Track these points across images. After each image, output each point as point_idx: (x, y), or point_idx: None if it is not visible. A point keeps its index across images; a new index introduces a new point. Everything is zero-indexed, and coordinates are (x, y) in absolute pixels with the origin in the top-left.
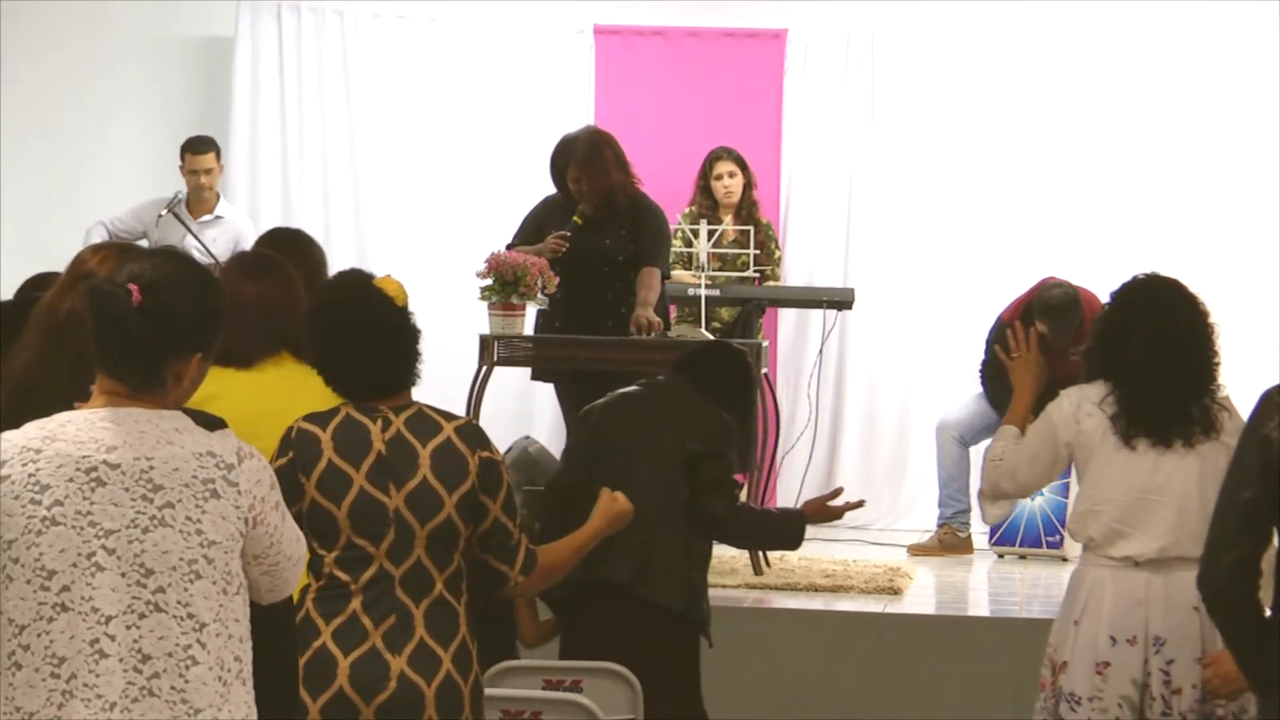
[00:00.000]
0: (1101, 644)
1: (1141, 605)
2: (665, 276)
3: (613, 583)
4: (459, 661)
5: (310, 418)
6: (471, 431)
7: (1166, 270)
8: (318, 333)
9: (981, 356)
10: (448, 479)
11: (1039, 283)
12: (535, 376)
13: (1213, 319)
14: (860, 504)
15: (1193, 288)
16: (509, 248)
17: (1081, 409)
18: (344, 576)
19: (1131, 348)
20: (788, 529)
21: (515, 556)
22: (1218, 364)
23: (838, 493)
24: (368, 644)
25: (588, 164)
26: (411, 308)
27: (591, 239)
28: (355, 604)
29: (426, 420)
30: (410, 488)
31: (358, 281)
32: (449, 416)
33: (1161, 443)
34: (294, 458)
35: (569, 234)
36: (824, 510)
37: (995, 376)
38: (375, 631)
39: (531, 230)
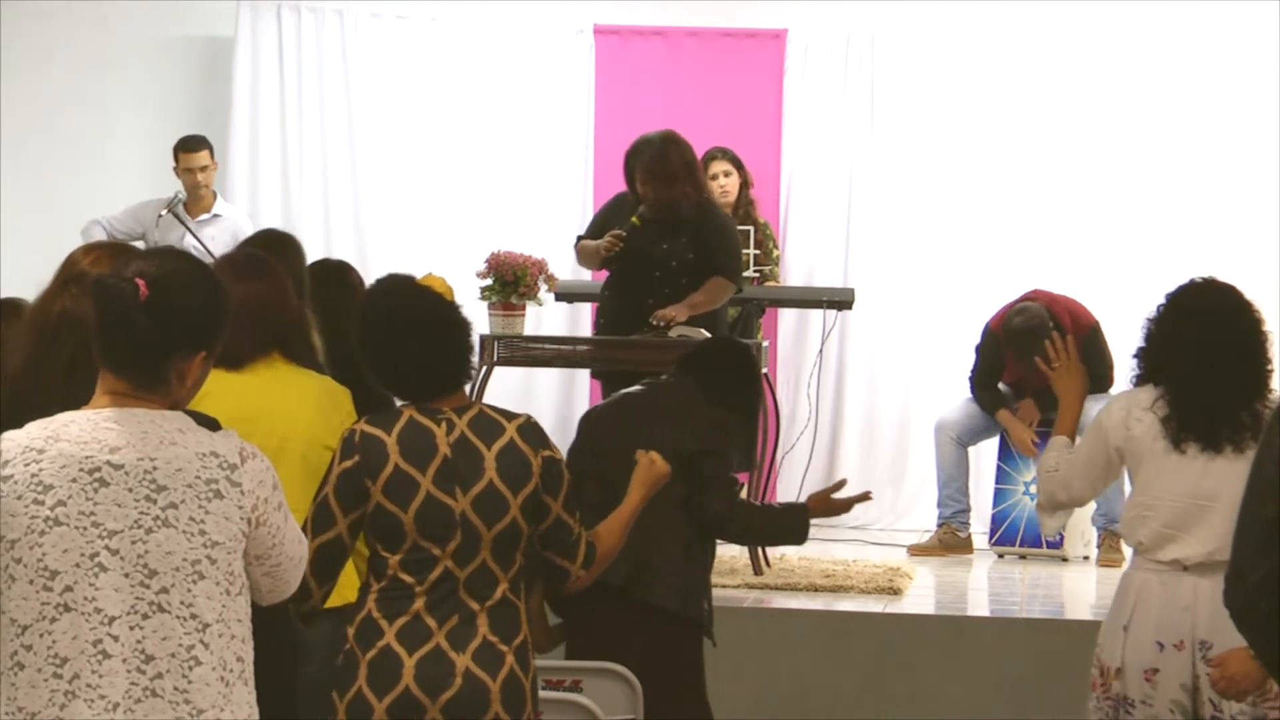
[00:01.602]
0: (1149, 650)
1: (1188, 610)
2: (739, 290)
3: (610, 583)
4: (520, 658)
5: (373, 421)
6: (533, 430)
7: (1166, 271)
8: (373, 337)
9: (972, 362)
10: (513, 481)
11: (1023, 295)
12: (594, 375)
13: (1267, 326)
14: (866, 496)
15: (1248, 294)
16: (578, 239)
17: (1132, 414)
18: (408, 578)
19: (1184, 352)
20: (790, 522)
21: (577, 551)
22: (1270, 370)
23: (841, 484)
24: (431, 643)
25: (652, 171)
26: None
27: (649, 242)
28: (419, 604)
29: (489, 421)
30: (477, 491)
31: (406, 283)
32: (509, 415)
33: (1211, 448)
34: (360, 461)
35: (625, 234)
36: (828, 503)
37: (985, 385)
38: (439, 631)
39: (599, 226)
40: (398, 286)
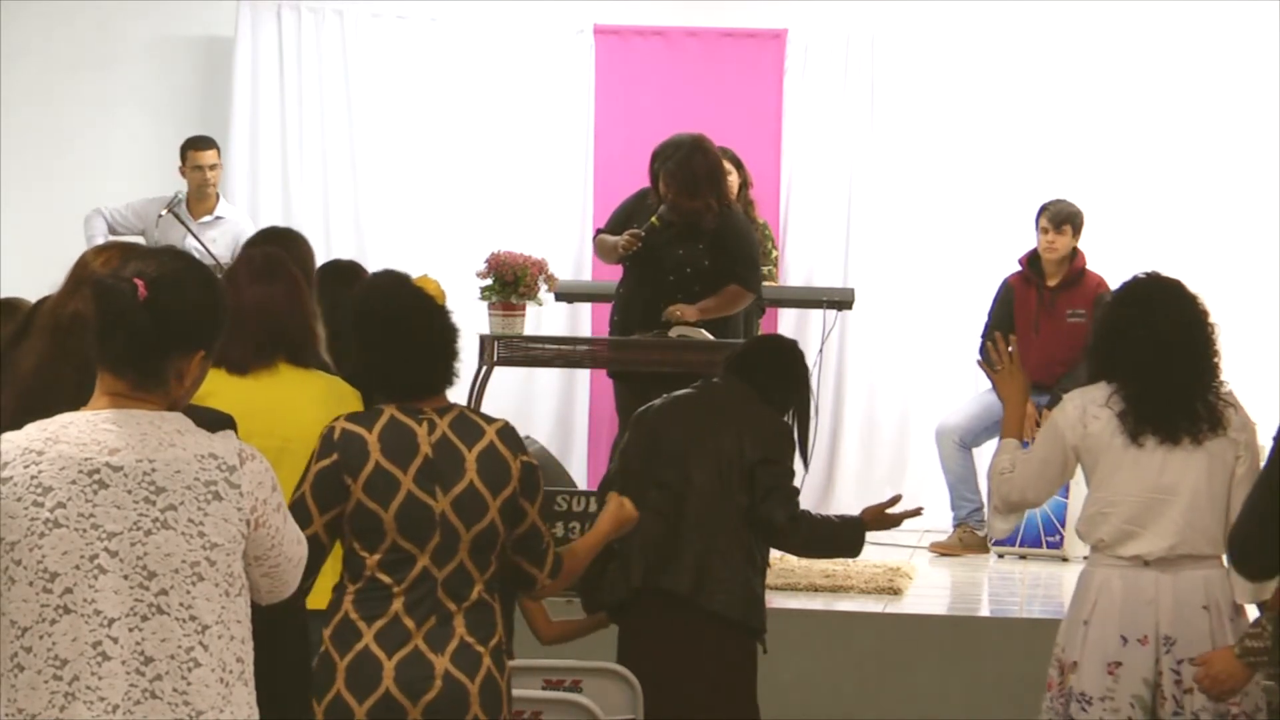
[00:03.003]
0: (1112, 644)
1: (1151, 605)
2: (758, 298)
3: (673, 591)
4: (496, 659)
5: (353, 418)
6: (511, 435)
7: (1167, 270)
8: (364, 334)
9: (984, 323)
10: (492, 483)
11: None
12: (610, 374)
13: (1212, 318)
14: (918, 511)
15: (1192, 287)
16: (598, 232)
17: (1087, 412)
18: (386, 579)
19: (1133, 347)
20: (848, 537)
21: (545, 560)
22: (1218, 361)
23: (896, 500)
24: (410, 645)
25: (675, 178)
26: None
27: (667, 245)
28: (397, 605)
29: (469, 423)
30: (457, 491)
31: (399, 281)
32: (488, 419)
33: (1169, 440)
34: (339, 459)
35: (643, 234)
36: (882, 518)
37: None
38: (417, 632)
39: (619, 222)
40: (390, 285)
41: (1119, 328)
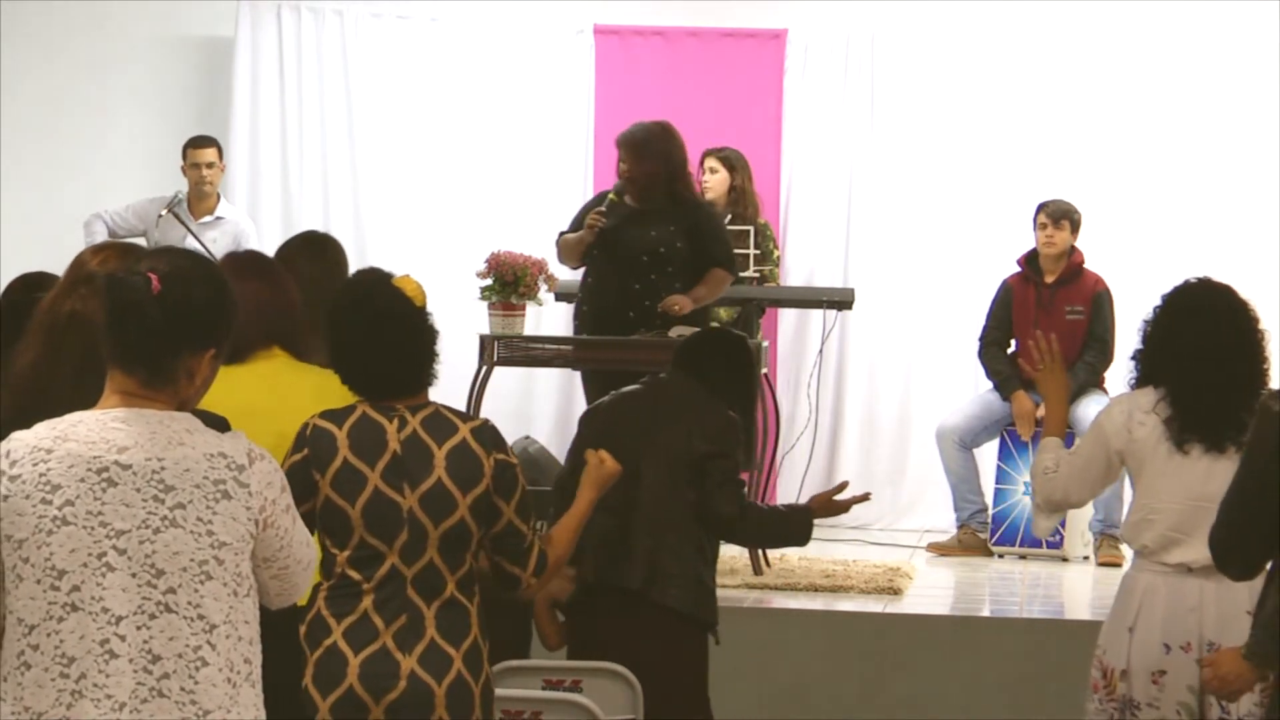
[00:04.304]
0: (1155, 652)
1: (1195, 611)
2: (734, 281)
3: (624, 587)
4: (470, 661)
5: (326, 415)
6: (488, 433)
7: (1166, 271)
8: (337, 331)
9: (983, 324)
10: (462, 480)
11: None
12: (583, 373)
13: (1262, 325)
14: (866, 497)
15: (1243, 294)
16: (561, 235)
17: (1133, 418)
18: (355, 575)
19: (1184, 353)
20: (796, 526)
21: (528, 559)
22: (1268, 369)
23: (843, 487)
24: (378, 643)
25: (625, 143)
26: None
27: (638, 227)
28: (366, 603)
29: (443, 420)
30: (425, 488)
31: (377, 280)
32: (465, 417)
33: (1215, 449)
34: (309, 455)
35: (605, 211)
36: (830, 505)
37: (994, 341)
38: (386, 631)
39: (580, 222)
40: (369, 286)
41: (1167, 334)
